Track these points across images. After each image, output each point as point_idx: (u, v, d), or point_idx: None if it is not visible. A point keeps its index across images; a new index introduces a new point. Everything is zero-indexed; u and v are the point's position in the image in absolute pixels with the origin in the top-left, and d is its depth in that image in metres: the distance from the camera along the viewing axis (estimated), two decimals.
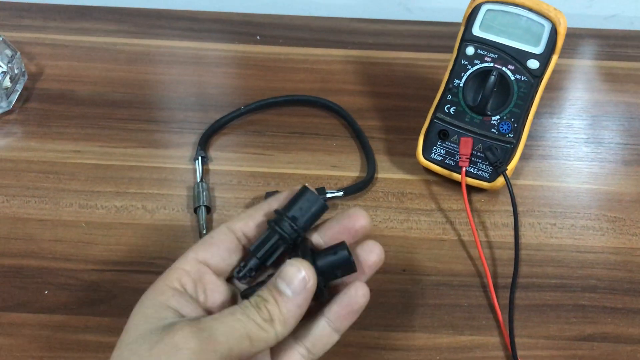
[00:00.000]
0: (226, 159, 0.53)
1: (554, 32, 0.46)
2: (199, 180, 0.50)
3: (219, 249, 0.32)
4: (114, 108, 0.58)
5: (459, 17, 0.49)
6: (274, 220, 0.32)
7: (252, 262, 0.32)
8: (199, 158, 0.52)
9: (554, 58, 0.47)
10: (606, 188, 0.52)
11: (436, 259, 0.46)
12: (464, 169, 0.48)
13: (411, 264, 0.46)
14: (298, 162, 0.53)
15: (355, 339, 0.42)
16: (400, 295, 0.44)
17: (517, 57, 0.47)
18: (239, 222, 0.33)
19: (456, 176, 0.49)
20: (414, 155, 0.51)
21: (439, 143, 0.50)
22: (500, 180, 0.48)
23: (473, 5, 0.48)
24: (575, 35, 0.67)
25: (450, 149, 0.49)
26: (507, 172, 0.47)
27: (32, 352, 0.41)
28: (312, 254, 0.31)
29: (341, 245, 0.31)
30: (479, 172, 0.49)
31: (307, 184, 0.33)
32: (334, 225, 0.33)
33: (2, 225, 0.48)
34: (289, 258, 0.31)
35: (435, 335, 0.42)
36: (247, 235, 0.33)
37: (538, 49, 0.46)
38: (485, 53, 0.47)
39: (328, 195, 0.49)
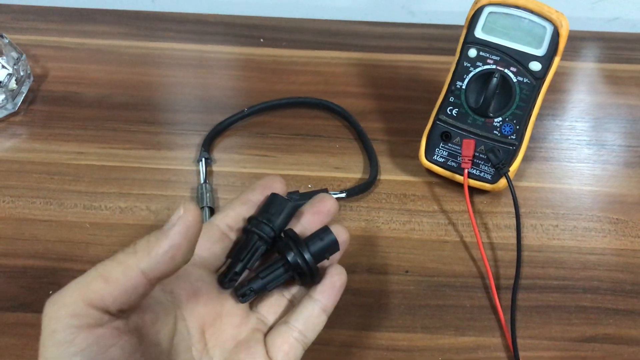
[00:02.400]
0: (230, 161, 0.54)
1: (555, 34, 0.46)
2: (202, 181, 0.51)
3: (202, 239, 0.32)
4: (118, 110, 0.58)
5: (461, 19, 0.49)
6: (251, 225, 0.35)
7: (237, 267, 0.34)
8: (203, 159, 0.52)
9: (556, 60, 0.47)
10: (608, 190, 0.52)
11: (438, 260, 0.47)
12: (466, 171, 0.48)
13: (413, 265, 0.46)
14: (301, 163, 0.53)
15: (358, 339, 0.42)
16: (403, 296, 0.44)
17: (519, 59, 0.47)
18: (219, 216, 0.35)
19: (458, 178, 0.50)
20: (416, 157, 0.52)
21: (441, 145, 0.50)
22: (503, 182, 0.48)
23: (475, 8, 0.48)
24: (578, 38, 0.67)
25: (452, 150, 0.50)
26: (510, 173, 0.48)
27: (36, 352, 0.41)
28: (305, 242, 0.34)
29: (326, 230, 0.35)
30: (481, 174, 0.49)
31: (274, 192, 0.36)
32: (308, 210, 0.37)
33: (7, 225, 0.48)
34: (277, 248, 0.35)
35: (438, 336, 0.42)
36: (230, 225, 0.35)
37: (540, 51, 0.46)
38: (488, 55, 0.48)
39: None
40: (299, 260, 0.34)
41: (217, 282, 0.34)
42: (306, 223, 0.37)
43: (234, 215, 0.35)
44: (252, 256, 0.34)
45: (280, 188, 0.37)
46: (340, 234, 0.36)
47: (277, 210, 0.35)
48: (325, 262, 0.36)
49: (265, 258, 0.36)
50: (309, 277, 0.34)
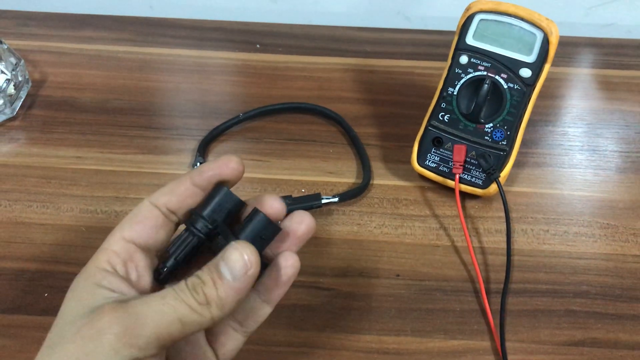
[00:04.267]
0: None
1: (545, 42, 0.46)
2: None
3: (145, 227, 0.31)
4: (115, 115, 0.59)
5: (456, 25, 0.50)
6: (190, 221, 0.32)
7: (170, 264, 0.31)
8: (198, 164, 0.53)
9: (546, 67, 0.47)
10: (599, 195, 0.52)
11: (429, 264, 0.47)
12: (457, 176, 0.49)
13: (405, 269, 0.47)
14: (295, 168, 0.54)
15: (349, 343, 0.42)
16: (394, 300, 0.45)
17: (510, 66, 0.47)
18: (163, 197, 0.32)
19: (450, 183, 0.50)
20: (409, 162, 0.52)
21: (433, 150, 0.51)
22: (494, 187, 0.49)
23: (467, 15, 0.48)
24: (572, 44, 0.68)
25: (444, 156, 0.50)
26: (500, 179, 0.48)
27: (32, 354, 0.41)
28: (233, 233, 0.31)
29: (254, 211, 0.31)
30: (473, 179, 0.49)
31: (222, 183, 0.32)
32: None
33: (4, 228, 0.49)
34: (213, 247, 0.31)
35: (428, 340, 0.43)
36: (172, 209, 0.32)
37: (530, 58, 0.47)
38: (479, 62, 0.48)
39: (323, 201, 0.49)
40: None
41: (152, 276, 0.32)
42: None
43: (176, 201, 0.31)
44: (187, 255, 0.31)
45: (232, 171, 0.32)
46: (302, 220, 0.33)
47: (221, 205, 0.31)
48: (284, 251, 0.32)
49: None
50: None
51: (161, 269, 0.32)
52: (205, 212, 0.31)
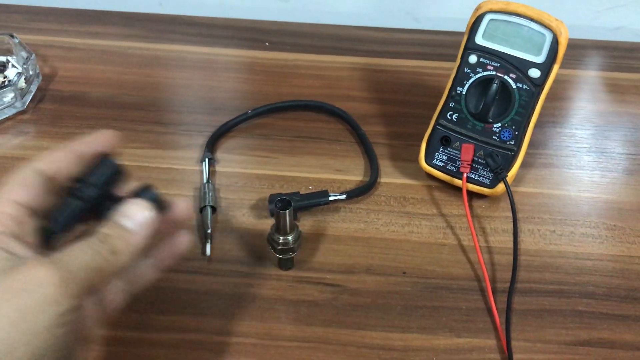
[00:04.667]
0: (232, 161, 0.55)
1: (555, 42, 0.47)
2: (205, 181, 0.51)
3: (31, 191, 0.31)
4: (125, 110, 0.59)
5: (465, 26, 0.50)
6: (76, 187, 0.33)
7: (57, 228, 0.32)
8: (206, 160, 0.53)
9: (555, 67, 0.47)
10: (606, 197, 0.52)
11: (436, 262, 0.47)
12: (465, 175, 0.49)
13: (411, 267, 0.47)
14: (303, 165, 0.54)
15: (355, 338, 0.43)
16: (400, 297, 0.45)
17: (519, 66, 0.48)
18: (44, 164, 0.32)
19: (457, 182, 0.50)
20: (416, 160, 0.52)
21: (441, 149, 0.51)
22: (501, 187, 0.49)
23: (476, 15, 0.49)
24: (581, 46, 0.68)
25: (452, 155, 0.50)
26: (508, 178, 0.48)
27: None
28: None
29: (145, 187, 0.35)
30: (480, 179, 0.50)
31: (106, 155, 0.35)
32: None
33: None
34: (99, 210, 0.33)
35: (433, 337, 0.43)
36: (53, 176, 0.32)
37: (539, 58, 0.47)
38: (488, 61, 0.48)
39: (331, 198, 0.50)
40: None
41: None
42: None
43: (57, 168, 0.32)
44: (71, 220, 0.32)
45: (107, 141, 0.35)
46: (180, 205, 0.37)
47: (102, 173, 0.34)
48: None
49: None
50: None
51: (49, 232, 0.32)
52: (91, 180, 0.34)
